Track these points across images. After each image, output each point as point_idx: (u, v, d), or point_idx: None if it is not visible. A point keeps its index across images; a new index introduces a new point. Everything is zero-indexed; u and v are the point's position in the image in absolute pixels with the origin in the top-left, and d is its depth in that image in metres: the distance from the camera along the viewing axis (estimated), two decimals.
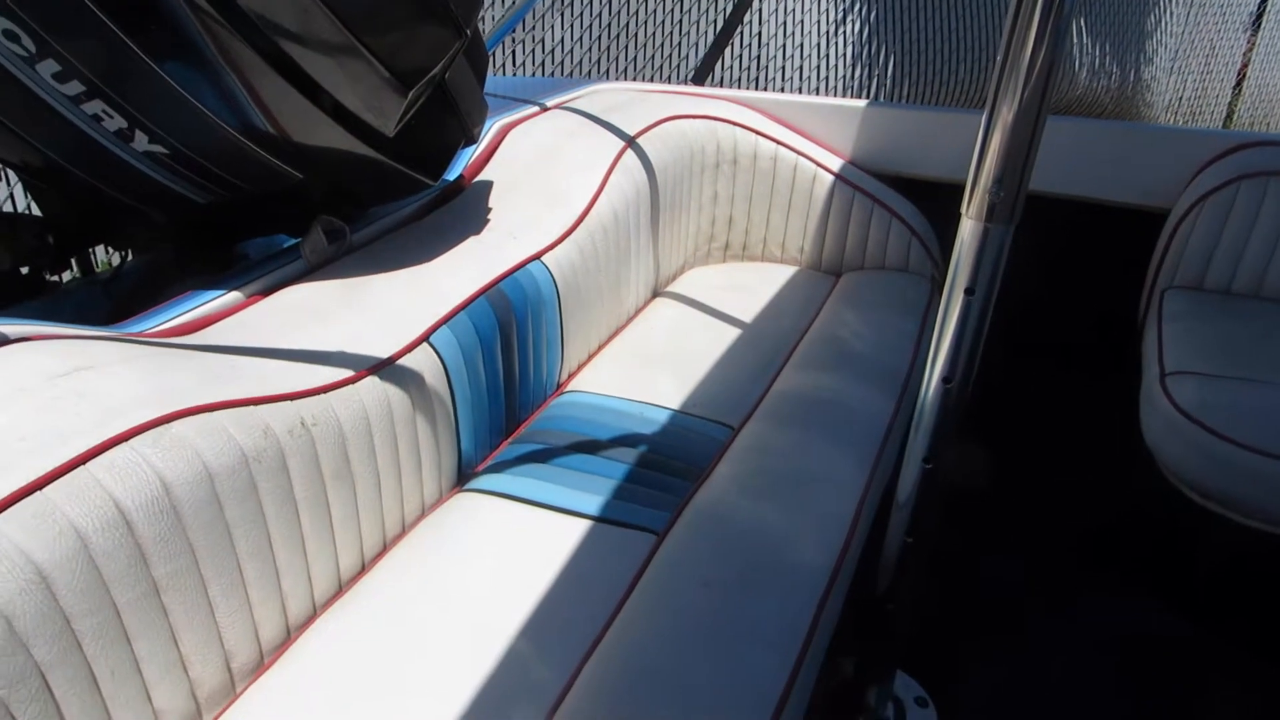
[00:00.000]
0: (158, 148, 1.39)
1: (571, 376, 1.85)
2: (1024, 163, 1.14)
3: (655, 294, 2.21)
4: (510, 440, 1.64)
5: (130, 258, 1.80)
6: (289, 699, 1.10)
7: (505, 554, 1.33)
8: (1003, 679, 1.75)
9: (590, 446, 1.58)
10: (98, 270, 1.90)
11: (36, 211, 1.71)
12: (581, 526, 1.39)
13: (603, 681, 1.11)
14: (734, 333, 2.01)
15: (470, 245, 1.65)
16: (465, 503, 1.45)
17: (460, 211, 1.79)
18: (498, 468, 1.53)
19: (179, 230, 1.68)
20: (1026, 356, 2.24)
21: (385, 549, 1.36)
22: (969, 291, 1.22)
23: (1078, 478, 2.24)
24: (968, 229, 1.20)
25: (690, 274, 2.35)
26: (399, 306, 1.43)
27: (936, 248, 2.31)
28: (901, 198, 2.31)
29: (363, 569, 1.32)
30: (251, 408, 1.11)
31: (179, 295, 1.41)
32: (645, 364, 1.87)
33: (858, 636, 1.54)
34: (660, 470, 1.53)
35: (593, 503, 1.43)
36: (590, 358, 1.92)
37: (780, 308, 2.14)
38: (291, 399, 1.16)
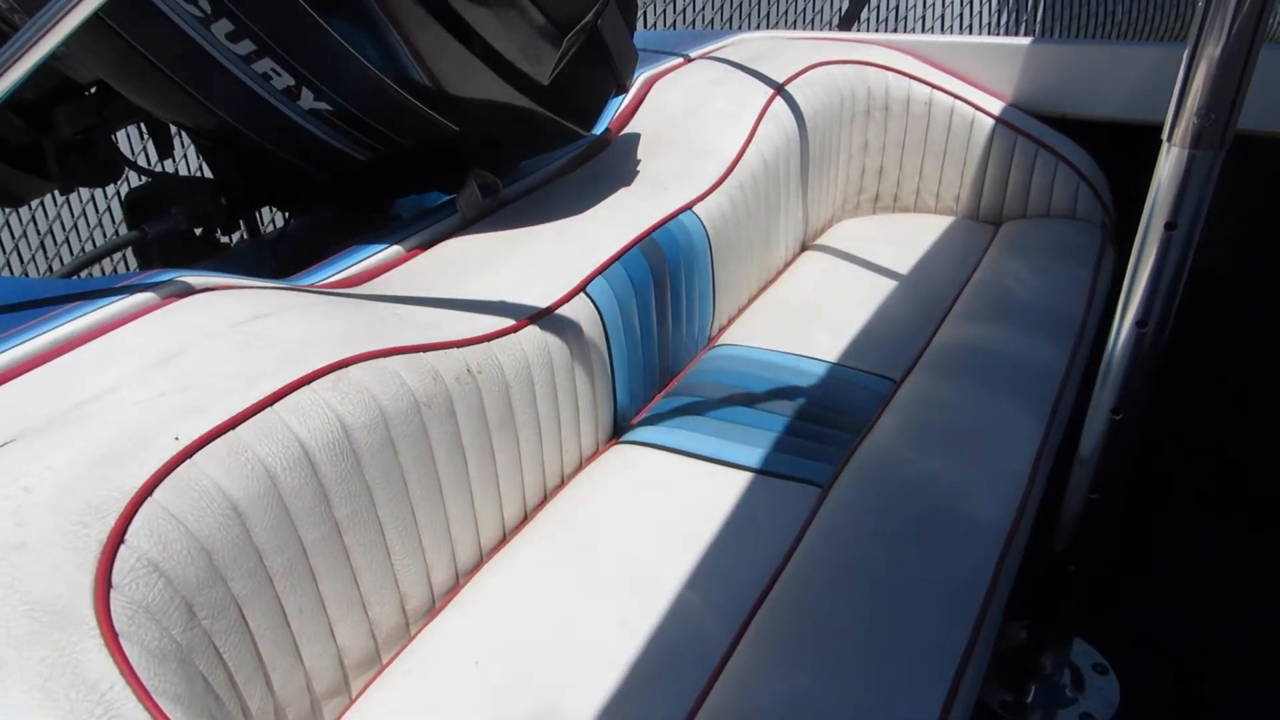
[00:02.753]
0: (322, 104, 1.42)
1: (722, 330, 1.81)
2: (1239, 80, 1.03)
3: (804, 247, 2.14)
4: (664, 393, 1.62)
5: (292, 220, 1.86)
6: (459, 643, 1.11)
7: (665, 505, 1.31)
8: (1186, 648, 1.63)
9: (746, 399, 1.54)
10: (263, 232, 1.97)
11: (209, 175, 1.78)
12: (742, 479, 1.36)
13: (774, 634, 1.08)
14: (889, 285, 1.93)
15: (620, 196, 1.62)
16: (623, 455, 1.44)
17: (608, 164, 1.77)
18: (654, 420, 1.51)
19: (339, 190, 1.72)
20: (1221, 299, 2.05)
21: (545, 499, 1.36)
22: (1169, 226, 1.12)
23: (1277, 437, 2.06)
24: (1171, 157, 1.10)
25: (839, 227, 2.27)
26: (554, 257, 1.42)
27: (1108, 193, 2.16)
28: (1068, 140, 2.16)
29: (525, 518, 1.32)
30: (420, 354, 1.12)
31: (342, 251, 1.44)
32: (798, 317, 1.81)
33: (1034, 598, 1.46)
34: (820, 423, 1.48)
35: (753, 455, 1.40)
36: (740, 311, 1.87)
37: (937, 259, 2.04)
38: (458, 346, 1.17)
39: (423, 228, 1.51)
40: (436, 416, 1.11)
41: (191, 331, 1.02)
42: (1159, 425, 1.41)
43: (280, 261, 1.79)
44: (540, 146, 1.65)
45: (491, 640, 1.11)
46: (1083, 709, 1.51)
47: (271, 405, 0.95)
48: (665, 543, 1.25)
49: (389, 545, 1.07)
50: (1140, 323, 1.17)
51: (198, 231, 1.76)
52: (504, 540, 1.28)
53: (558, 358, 1.30)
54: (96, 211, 3.36)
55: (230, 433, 0.90)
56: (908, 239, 2.14)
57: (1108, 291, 1.94)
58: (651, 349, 1.55)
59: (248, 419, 0.92)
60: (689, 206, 1.63)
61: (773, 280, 2.00)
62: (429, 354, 1.13)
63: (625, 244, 1.48)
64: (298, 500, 0.94)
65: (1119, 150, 2.15)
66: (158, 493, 0.83)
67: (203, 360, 0.98)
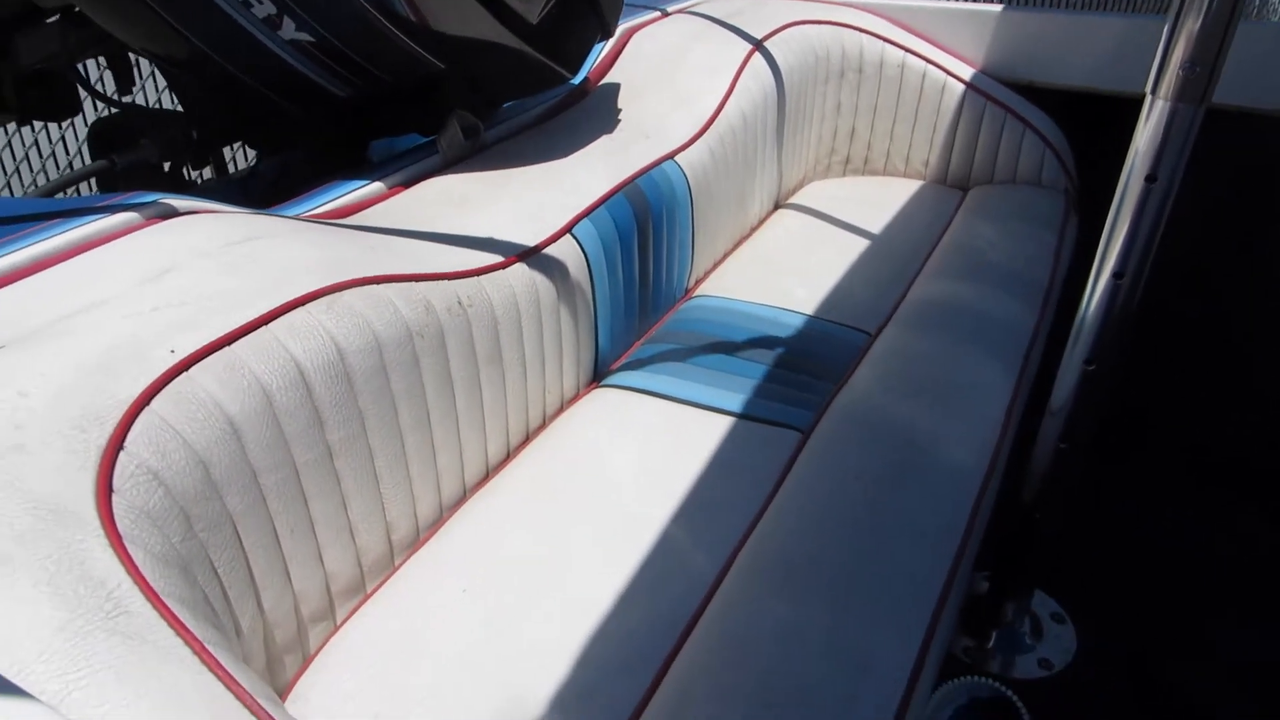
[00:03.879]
0: (304, 35, 1.39)
1: (699, 282, 1.82)
2: (1224, 32, 1.05)
3: (777, 205, 2.16)
4: (644, 340, 1.62)
5: (262, 158, 1.82)
6: (447, 571, 1.12)
7: (648, 447, 1.33)
8: (1141, 598, 1.69)
9: (726, 347, 1.56)
10: (232, 172, 1.93)
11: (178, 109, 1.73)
12: (724, 423, 1.37)
13: (759, 568, 1.10)
14: (862, 244, 1.96)
15: (603, 143, 1.62)
16: (604, 397, 1.44)
17: (590, 111, 1.76)
18: (634, 365, 1.52)
19: (314, 127, 1.69)
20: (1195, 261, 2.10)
21: (528, 439, 1.36)
22: (1150, 179, 1.15)
23: (1232, 400, 2.14)
24: (1154, 110, 1.13)
25: (811, 187, 2.29)
26: (539, 200, 1.41)
27: (1072, 161, 2.21)
28: (1035, 108, 2.20)
29: (508, 456, 1.32)
30: (413, 284, 1.11)
31: (321, 186, 1.42)
32: (773, 271, 1.83)
33: (1000, 547, 1.50)
34: (799, 371, 1.50)
35: (733, 400, 1.42)
36: (716, 265, 1.89)
37: (908, 220, 2.07)
38: (448, 279, 1.16)
39: (403, 166, 1.49)
40: (428, 347, 1.10)
41: (182, 251, 1.00)
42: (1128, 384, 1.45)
43: (251, 199, 1.75)
44: (524, 89, 1.64)
45: (479, 569, 1.11)
46: (1041, 655, 1.56)
47: (266, 324, 0.93)
48: (649, 483, 1.26)
49: (378, 473, 1.07)
50: (1118, 274, 1.21)
51: (166, 166, 1.71)
52: (487, 477, 1.28)
53: (544, 297, 1.30)
54: (77, 138, 3.25)
55: (226, 349, 0.89)
56: (879, 200, 2.17)
57: (1072, 255, 1.99)
58: (633, 294, 1.56)
59: (243, 336, 0.91)
60: (671, 156, 1.63)
61: (747, 236, 2.01)
62: (421, 284, 1.12)
63: (610, 189, 1.48)
64: (292, 420, 0.93)
65: (1083, 119, 2.19)
66: (155, 403, 0.81)
67: (194, 278, 0.96)
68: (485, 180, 1.46)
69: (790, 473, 1.27)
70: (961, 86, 2.20)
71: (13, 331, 0.85)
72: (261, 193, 1.76)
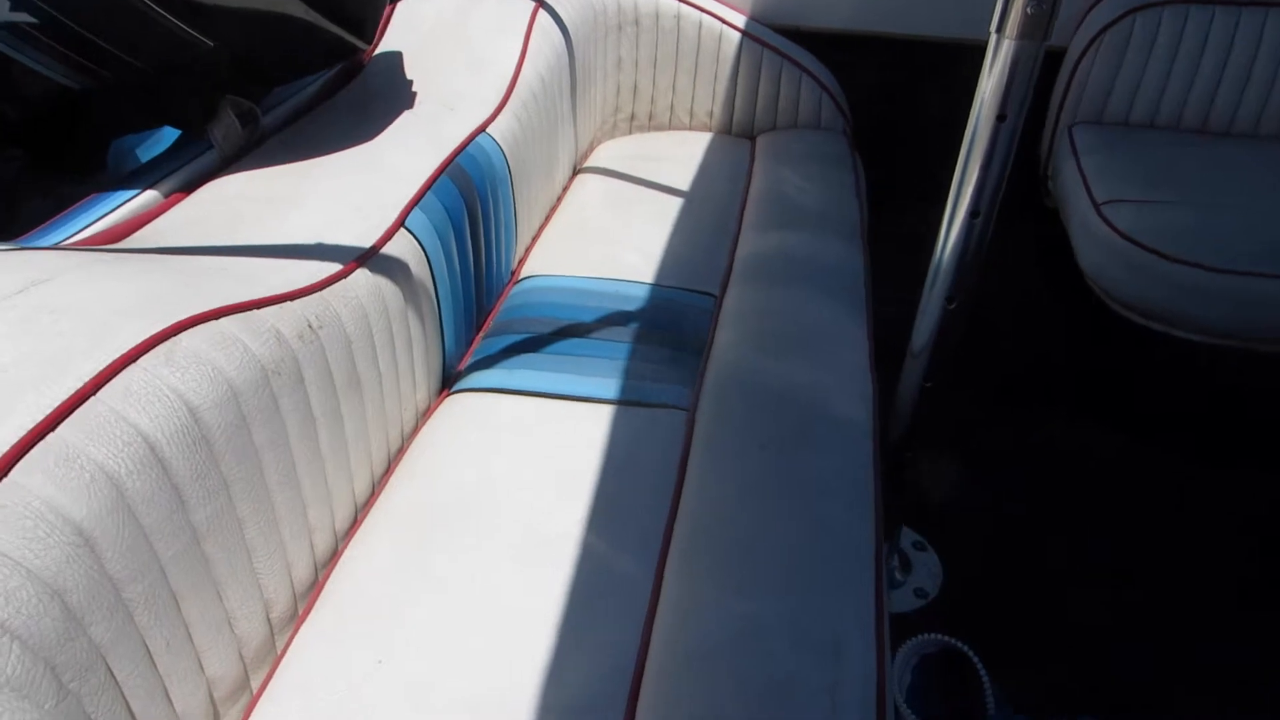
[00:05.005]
0: (22, 17, 1.12)
1: (521, 262, 1.69)
2: None
3: (575, 171, 2.05)
4: (481, 335, 1.48)
5: None
6: (348, 650, 0.95)
7: (529, 452, 1.20)
8: (995, 521, 1.77)
9: (576, 330, 1.45)
10: None
11: None
12: (601, 412, 1.28)
13: (697, 563, 1.02)
14: (673, 201, 1.90)
15: (406, 121, 1.44)
16: (463, 404, 1.30)
17: (375, 85, 1.56)
18: (482, 364, 1.38)
19: (36, 128, 1.38)
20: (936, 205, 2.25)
21: (390, 467, 1.20)
22: (1000, 118, 1.17)
23: (1015, 315, 2.29)
24: (1001, 50, 1.13)
25: (602, 149, 2.20)
26: (359, 190, 1.23)
27: (845, 102, 2.27)
28: (807, 53, 2.24)
29: (373, 492, 1.16)
30: (255, 311, 0.91)
31: (79, 204, 1.15)
32: (594, 241, 1.73)
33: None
34: (659, 345, 1.43)
35: (604, 386, 1.32)
36: (534, 241, 1.76)
37: (709, 173, 2.04)
38: (291, 299, 0.97)
39: (173, 169, 1.25)
40: (286, 384, 0.91)
41: None
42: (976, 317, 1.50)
43: None
44: (310, 65, 1.42)
45: (387, 632, 0.95)
46: (914, 585, 1.61)
47: (95, 393, 0.72)
48: (545, 491, 1.14)
49: (249, 546, 0.88)
50: (973, 213, 1.22)
51: None
52: (358, 521, 1.11)
53: (391, 303, 1.13)
54: None
55: (51, 435, 0.68)
56: (674, 155, 2.12)
57: (868, 193, 2.04)
58: (470, 285, 1.41)
59: (68, 414, 0.70)
60: (484, 128, 1.48)
61: (556, 206, 1.90)
62: (264, 310, 0.92)
63: (433, 172, 1.32)
64: (151, 509, 0.73)
65: (847, 61, 2.26)
66: None
67: None
68: (283, 175, 1.25)
69: (690, 455, 1.20)
70: (738, 35, 2.19)
71: None
72: None
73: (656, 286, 1.59)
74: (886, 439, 1.46)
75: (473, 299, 1.43)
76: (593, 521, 1.10)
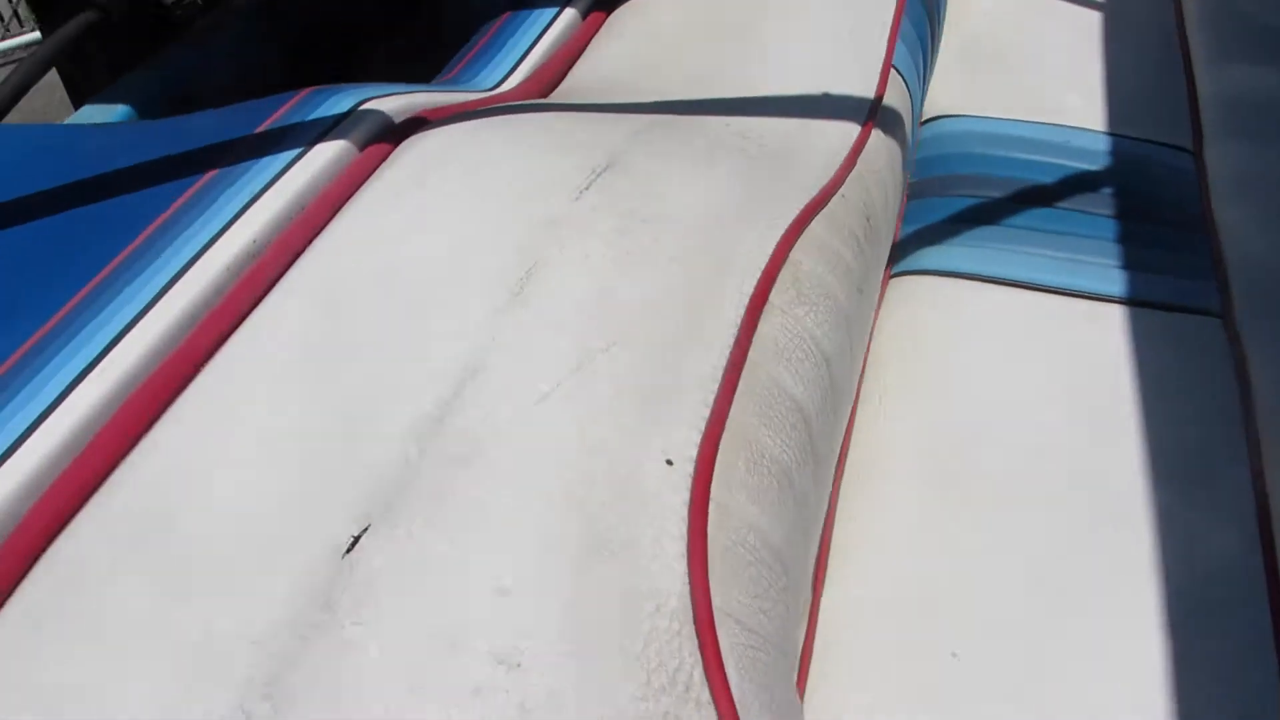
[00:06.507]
0: None
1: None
2: None
3: None
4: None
5: None
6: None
7: (1034, 367, 0.95)
8: None
9: (1030, 195, 1.15)
10: None
11: None
12: (1108, 314, 1.00)
13: None
14: (1094, 17, 1.52)
15: None
16: (913, 292, 1.04)
17: None
18: (920, 237, 1.12)
19: None
20: None
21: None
22: None
23: None
24: None
25: None
26: (829, 10, 0.94)
27: None
28: None
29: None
30: (829, 205, 0.66)
31: (497, 24, 0.91)
32: (1010, 70, 1.39)
33: None
34: (1142, 220, 1.12)
35: (1101, 277, 1.03)
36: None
37: None
38: (840, 184, 0.72)
39: None
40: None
41: (539, 235, 0.53)
42: None
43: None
44: None
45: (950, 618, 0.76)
46: None
47: (746, 356, 0.50)
48: (1078, 427, 0.89)
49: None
50: None
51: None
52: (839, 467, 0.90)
53: (891, 180, 0.87)
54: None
55: (725, 431, 0.46)
56: None
57: None
58: None
59: (731, 393, 0.48)
60: None
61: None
62: (833, 203, 0.68)
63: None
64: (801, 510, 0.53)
65: None
66: None
67: (565, 285, 0.51)
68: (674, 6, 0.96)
69: (1253, 385, 0.92)
70: None
71: None
72: None
73: (1116, 136, 1.25)
74: None
75: None
76: (1159, 475, 0.85)
